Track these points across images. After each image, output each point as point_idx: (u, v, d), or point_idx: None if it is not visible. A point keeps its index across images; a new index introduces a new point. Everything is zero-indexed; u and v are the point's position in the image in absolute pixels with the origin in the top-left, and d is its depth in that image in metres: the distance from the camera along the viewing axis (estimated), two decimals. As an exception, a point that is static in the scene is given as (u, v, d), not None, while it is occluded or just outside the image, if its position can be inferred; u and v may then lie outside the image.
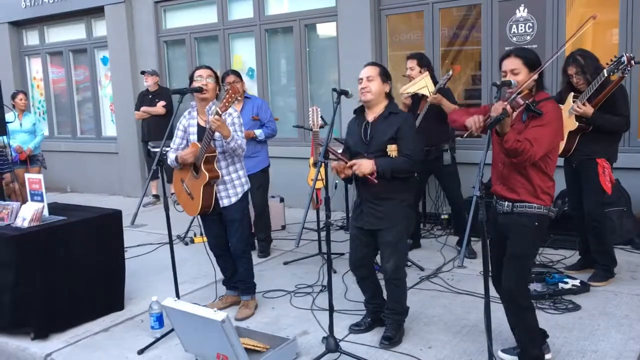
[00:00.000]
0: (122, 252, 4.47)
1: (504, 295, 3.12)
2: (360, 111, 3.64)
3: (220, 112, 3.60)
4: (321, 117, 5.22)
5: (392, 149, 3.41)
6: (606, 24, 5.88)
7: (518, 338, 3.13)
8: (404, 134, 3.42)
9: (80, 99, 10.25)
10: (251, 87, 7.84)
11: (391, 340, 3.56)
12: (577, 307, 3.96)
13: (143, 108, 8.12)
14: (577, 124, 4.18)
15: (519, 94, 2.85)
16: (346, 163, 3.42)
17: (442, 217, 6.29)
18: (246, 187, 4.10)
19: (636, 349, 3.38)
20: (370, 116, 3.55)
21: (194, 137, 3.99)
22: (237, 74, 5.38)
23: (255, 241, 5.65)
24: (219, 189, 3.98)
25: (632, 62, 3.95)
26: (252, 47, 7.95)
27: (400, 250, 3.56)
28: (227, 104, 3.62)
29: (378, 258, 3.76)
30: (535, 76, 2.93)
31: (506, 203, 3.01)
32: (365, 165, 3.36)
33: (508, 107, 2.73)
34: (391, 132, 3.42)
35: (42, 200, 4.18)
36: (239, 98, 5.24)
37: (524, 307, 3.05)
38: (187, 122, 4.06)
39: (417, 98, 5.14)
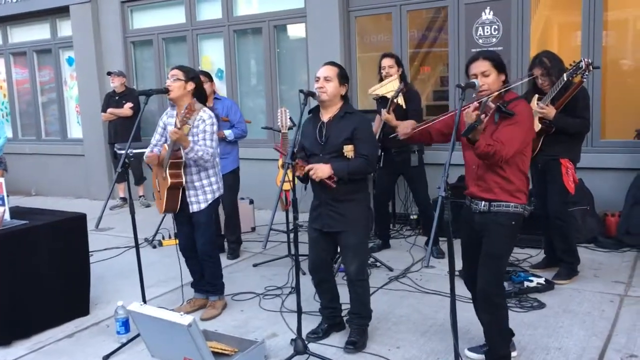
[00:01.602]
0: (87, 256, 4.39)
1: (479, 295, 3.09)
2: (315, 111, 3.59)
3: (179, 126, 3.59)
4: (290, 118, 5.22)
5: (348, 150, 3.38)
6: (570, 26, 6.01)
7: (489, 337, 3.13)
8: (360, 134, 3.39)
9: (45, 100, 10.04)
10: (220, 88, 7.78)
11: (355, 344, 3.54)
12: (542, 305, 4.03)
13: (110, 110, 7.99)
14: (540, 125, 4.26)
15: (488, 98, 2.88)
16: (304, 164, 3.39)
17: (412, 217, 6.34)
18: (217, 194, 4.09)
19: (598, 345, 3.45)
20: (326, 116, 3.50)
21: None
22: (207, 75, 5.34)
23: (225, 243, 5.62)
24: (190, 194, 3.97)
25: (590, 67, 4.05)
26: (221, 48, 7.90)
27: (363, 251, 3.57)
28: (184, 120, 3.64)
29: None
30: (503, 76, 2.96)
31: (482, 202, 3.00)
32: (322, 170, 3.32)
33: (482, 116, 2.76)
34: (347, 133, 3.38)
35: (2, 204, 4.10)
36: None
37: (499, 306, 3.06)
38: (167, 120, 4.05)
39: (385, 98, 5.16)
